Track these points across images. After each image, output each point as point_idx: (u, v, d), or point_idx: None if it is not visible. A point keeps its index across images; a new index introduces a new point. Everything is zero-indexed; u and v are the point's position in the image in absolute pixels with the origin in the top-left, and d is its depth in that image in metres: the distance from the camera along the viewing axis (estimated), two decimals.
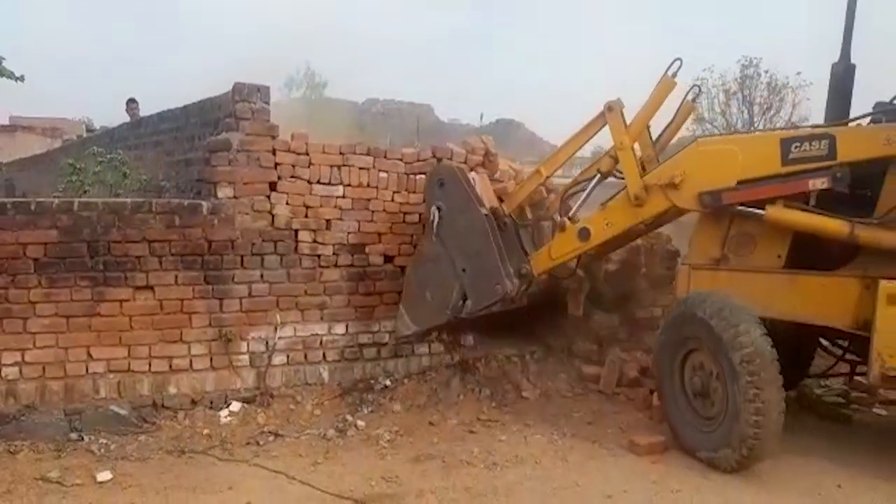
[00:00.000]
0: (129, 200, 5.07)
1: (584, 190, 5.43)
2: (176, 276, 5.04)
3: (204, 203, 5.15)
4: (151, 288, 4.97)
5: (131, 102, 10.69)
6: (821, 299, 4.47)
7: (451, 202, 5.20)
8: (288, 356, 5.40)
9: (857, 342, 4.64)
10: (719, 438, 4.37)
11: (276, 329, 5.32)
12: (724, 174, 4.71)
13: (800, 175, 4.53)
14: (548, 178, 5.53)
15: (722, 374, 4.35)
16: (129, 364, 4.94)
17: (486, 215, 5.15)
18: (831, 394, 5.94)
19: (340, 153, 5.49)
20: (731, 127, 28.74)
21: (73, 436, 4.61)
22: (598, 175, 5.31)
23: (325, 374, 5.49)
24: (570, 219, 5.21)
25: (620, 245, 5.81)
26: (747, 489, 4.25)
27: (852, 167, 4.45)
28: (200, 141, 5.72)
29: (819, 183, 4.48)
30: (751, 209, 4.68)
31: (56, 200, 4.93)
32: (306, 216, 5.42)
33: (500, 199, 5.59)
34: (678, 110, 5.36)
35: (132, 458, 4.43)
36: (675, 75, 5.05)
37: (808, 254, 4.67)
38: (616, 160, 5.12)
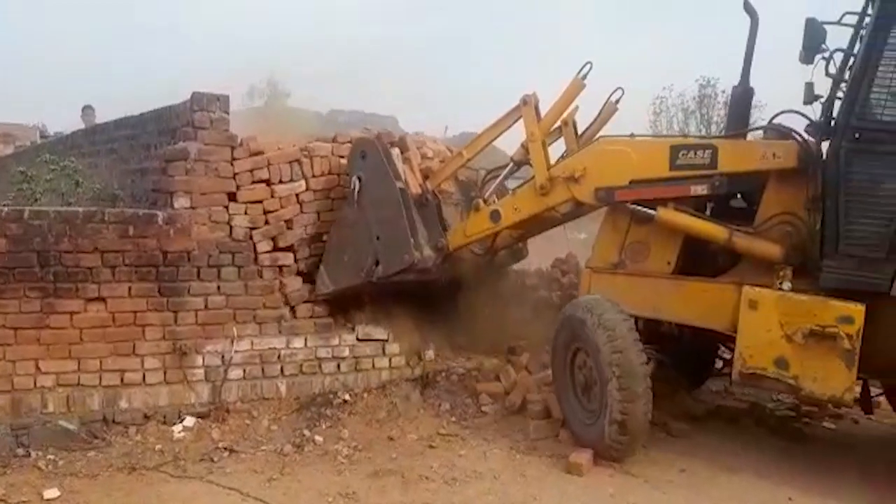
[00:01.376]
0: (81, 209, 4.94)
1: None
2: (129, 288, 4.92)
3: (159, 213, 5.05)
4: (103, 300, 4.85)
5: (87, 109, 10.48)
6: (702, 303, 4.84)
7: (370, 173, 5.46)
8: (244, 370, 5.31)
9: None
10: (597, 430, 4.64)
11: (232, 342, 5.23)
12: (619, 173, 5.08)
13: (683, 180, 4.91)
14: (469, 160, 5.88)
15: (598, 369, 4.62)
16: (79, 378, 4.80)
17: (400, 189, 5.42)
18: (783, 408, 6.09)
19: (298, 147, 5.60)
20: None
21: (20, 451, 4.46)
22: (512, 164, 5.73)
23: (283, 389, 5.41)
24: (484, 200, 5.55)
25: (537, 231, 6.16)
26: (701, 503, 4.30)
27: (731, 178, 4.86)
28: (157, 150, 5.62)
29: (699, 189, 4.88)
30: (645, 209, 5.04)
31: (5, 209, 4.79)
32: (266, 223, 5.36)
33: (426, 177, 5.89)
34: (601, 110, 5.76)
35: (81, 475, 4.30)
36: (584, 77, 5.45)
37: (696, 262, 5.08)
38: (527, 150, 5.47)
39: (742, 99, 5.22)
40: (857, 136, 4.35)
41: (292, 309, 5.52)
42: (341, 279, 5.53)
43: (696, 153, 4.93)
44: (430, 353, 5.97)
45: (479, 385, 5.71)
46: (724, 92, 31.16)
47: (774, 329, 4.42)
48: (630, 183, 5.06)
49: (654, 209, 5.00)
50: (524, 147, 5.54)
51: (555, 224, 6.05)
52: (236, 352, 5.24)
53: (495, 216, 5.47)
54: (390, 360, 5.81)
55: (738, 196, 5.27)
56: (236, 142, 5.31)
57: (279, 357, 5.42)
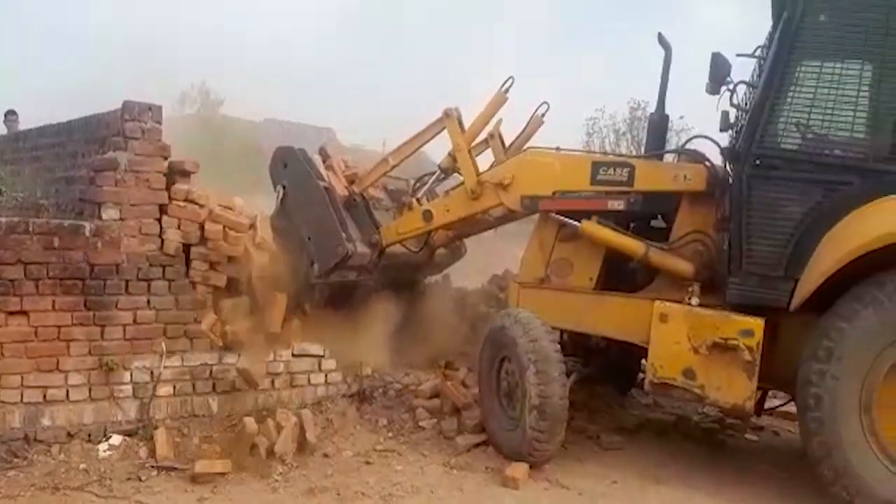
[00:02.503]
0: (4, 219, 4.72)
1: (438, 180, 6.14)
2: (53, 302, 4.71)
3: (87, 224, 4.87)
4: (26, 313, 4.63)
5: (10, 114, 10.03)
6: (621, 317, 5.10)
7: (293, 179, 5.62)
8: (174, 386, 5.15)
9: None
10: (519, 431, 4.81)
11: (162, 358, 5.07)
12: (544, 183, 5.37)
13: (602, 195, 5.23)
14: (394, 166, 6.05)
15: (517, 363, 4.83)
16: None
17: (324, 188, 5.59)
18: (707, 420, 6.31)
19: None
20: None
21: None
22: (440, 171, 5.95)
23: (215, 406, 5.28)
24: (417, 200, 5.86)
25: (468, 233, 6.48)
26: None
27: (646, 196, 5.18)
28: (84, 159, 5.43)
29: (616, 204, 5.17)
30: (570, 220, 5.31)
31: None
32: (202, 237, 5.23)
33: (351, 181, 6.07)
34: (528, 123, 6.07)
35: (1, 496, 4.08)
36: (507, 91, 5.75)
37: (616, 279, 5.36)
38: (455, 159, 5.73)
39: (659, 125, 5.59)
40: (757, 162, 4.62)
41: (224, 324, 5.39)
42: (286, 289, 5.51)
43: (615, 170, 5.26)
44: (367, 369, 5.93)
45: (417, 400, 5.70)
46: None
47: (682, 341, 4.66)
48: (553, 194, 5.35)
49: (579, 222, 5.26)
50: (451, 156, 5.79)
51: (488, 227, 6.31)
52: (166, 367, 5.08)
53: (427, 216, 5.72)
54: (326, 375, 5.75)
55: (659, 217, 5.55)
56: (169, 152, 5.19)
57: (211, 373, 5.29)
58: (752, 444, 6.04)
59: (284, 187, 5.65)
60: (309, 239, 5.54)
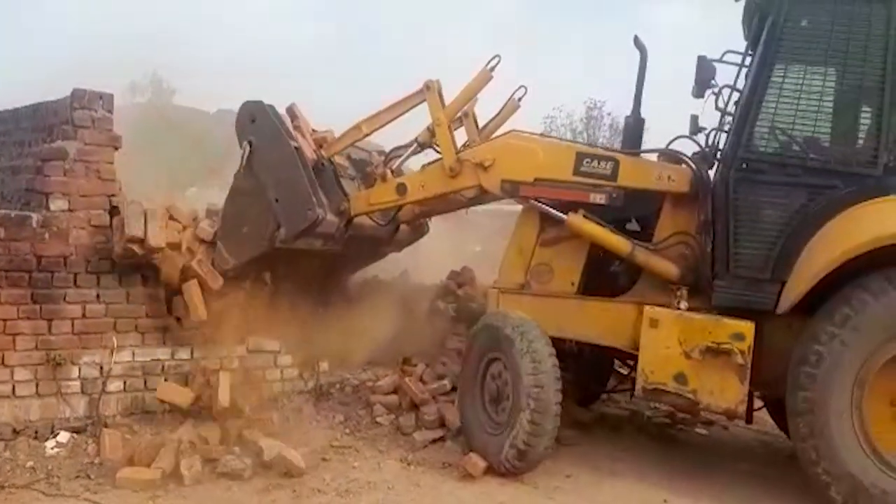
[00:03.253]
0: None
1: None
2: None
3: (34, 215, 4.73)
4: None
5: None
6: (604, 322, 5.05)
7: (261, 136, 5.29)
8: (125, 382, 5.04)
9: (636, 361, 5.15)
10: (497, 444, 4.70)
11: (112, 353, 4.95)
12: (526, 169, 5.18)
13: (585, 186, 5.08)
14: (367, 135, 5.75)
15: (514, 393, 4.68)
16: None
17: (295, 147, 5.27)
18: (660, 415, 6.44)
19: None
20: None
21: None
22: (416, 145, 5.65)
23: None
24: (392, 171, 5.56)
25: (440, 211, 6.22)
26: None
27: (628, 193, 5.05)
28: (32, 148, 5.26)
29: (598, 198, 5.03)
30: (555, 211, 5.18)
31: None
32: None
33: (319, 146, 5.74)
34: (503, 107, 5.84)
35: None
36: (492, 70, 5.50)
37: (597, 283, 5.30)
38: (433, 134, 5.48)
39: (635, 128, 5.50)
40: (743, 165, 4.67)
41: (178, 319, 5.29)
42: (243, 251, 5.31)
43: (599, 163, 5.09)
44: (324, 365, 5.88)
45: (374, 396, 5.67)
46: (609, 114, 32.70)
47: (673, 346, 4.61)
48: (535, 180, 5.16)
49: (564, 213, 5.12)
50: (430, 130, 5.53)
51: (460, 206, 6.11)
52: (116, 363, 4.97)
53: (401, 189, 5.44)
54: (282, 371, 5.69)
55: (633, 220, 5.49)
56: (120, 143, 5.06)
57: (163, 369, 5.18)
58: (702, 439, 6.19)
59: (251, 143, 5.29)
60: (277, 201, 5.21)
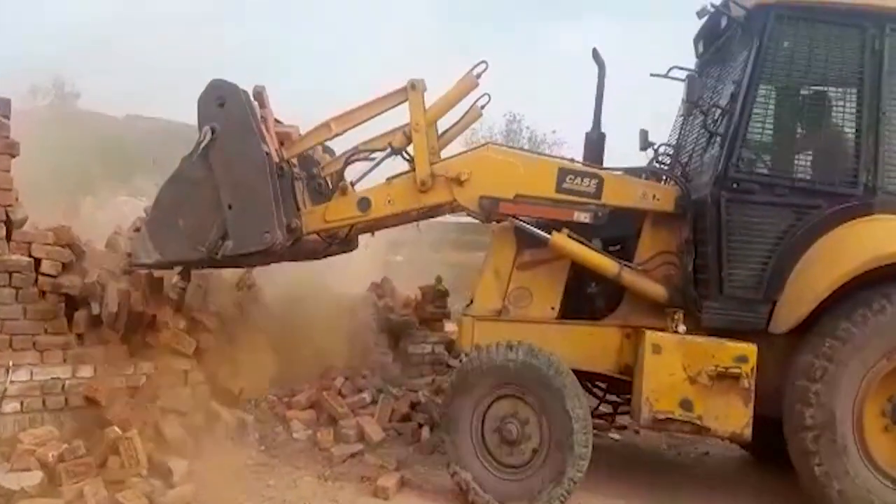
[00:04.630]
0: None
1: (367, 159, 5.20)
2: None
3: None
4: None
5: None
6: (588, 346, 4.87)
7: (229, 125, 4.61)
8: (22, 403, 4.73)
9: (617, 385, 5.06)
10: (537, 483, 4.39)
11: (8, 372, 4.64)
12: (506, 185, 4.86)
13: (568, 204, 4.84)
14: (337, 134, 5.16)
15: (549, 421, 4.40)
16: None
17: (266, 153, 4.62)
18: None
19: None
20: None
21: None
22: (390, 149, 5.05)
23: (68, 423, 4.88)
24: (352, 184, 5.00)
25: (391, 225, 5.60)
26: None
27: (612, 210, 4.86)
28: None
29: (582, 216, 4.80)
30: (537, 231, 4.88)
31: None
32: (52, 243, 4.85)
33: (281, 143, 5.10)
34: (466, 113, 5.33)
35: None
36: (479, 76, 5.03)
37: (577, 306, 5.08)
38: (409, 139, 4.95)
39: (596, 143, 5.34)
40: (734, 185, 4.60)
41: (79, 336, 5.03)
42: (171, 249, 4.72)
43: (582, 180, 4.85)
44: (239, 384, 5.69)
45: (291, 412, 5.56)
46: (528, 128, 33.34)
47: (678, 372, 4.46)
48: (515, 197, 4.86)
49: (548, 233, 4.84)
50: (405, 135, 4.97)
51: (413, 220, 5.61)
52: (12, 382, 4.66)
53: (363, 204, 4.90)
54: (194, 389, 5.48)
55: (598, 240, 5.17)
56: (17, 150, 4.78)
57: (63, 388, 4.90)
58: (615, 444, 6.34)
59: (213, 131, 4.58)
60: (230, 207, 4.57)
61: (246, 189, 4.60)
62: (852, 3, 4.61)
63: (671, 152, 5.51)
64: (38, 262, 4.86)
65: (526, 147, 32.32)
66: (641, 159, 5.53)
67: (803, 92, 4.85)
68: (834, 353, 4.30)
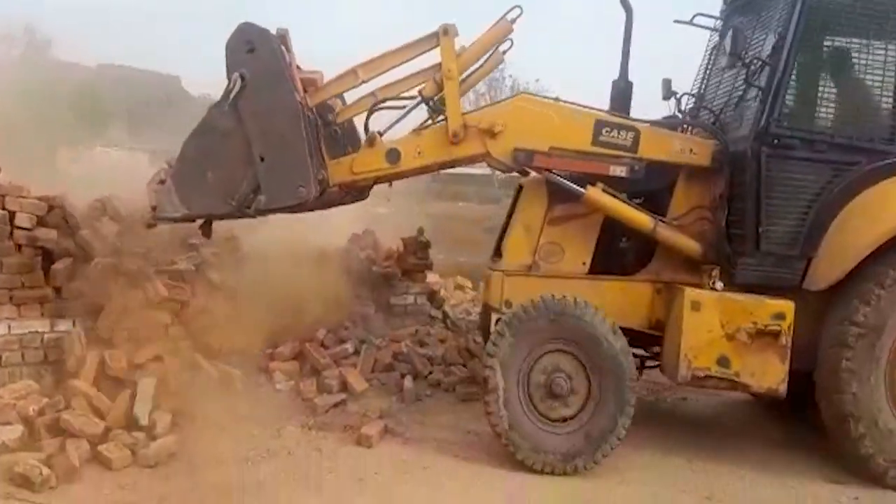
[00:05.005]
0: None
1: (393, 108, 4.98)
2: None
3: None
4: None
5: None
6: (620, 302, 4.84)
7: (259, 73, 4.42)
8: (0, 357, 4.71)
9: (645, 339, 5.03)
10: (582, 436, 4.45)
11: None
12: (541, 137, 4.75)
13: (603, 157, 4.76)
14: (363, 82, 4.90)
15: (600, 376, 4.44)
16: None
17: (300, 102, 4.46)
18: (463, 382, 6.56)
19: None
20: None
21: None
22: (420, 98, 4.87)
23: (49, 377, 4.86)
24: (380, 134, 4.81)
25: (413, 175, 5.22)
26: (492, 464, 4.58)
27: (649, 164, 4.80)
28: None
29: (619, 170, 4.74)
30: (572, 185, 4.80)
31: None
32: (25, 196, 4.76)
33: (305, 90, 4.77)
34: (488, 57, 5.01)
35: None
36: (514, 21, 4.83)
37: (607, 262, 5.05)
38: (440, 87, 4.78)
39: (623, 92, 5.24)
40: (774, 141, 4.58)
41: (57, 289, 4.98)
42: (198, 202, 4.55)
43: (619, 132, 4.77)
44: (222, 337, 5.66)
45: (273, 363, 5.56)
46: (510, 76, 32.98)
47: (716, 329, 4.49)
48: (550, 149, 4.75)
49: (582, 188, 4.76)
50: (436, 83, 4.77)
51: (435, 170, 5.38)
52: None
53: (393, 156, 4.75)
54: (176, 343, 5.44)
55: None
56: None
57: (42, 342, 4.87)
58: None
59: (243, 78, 4.37)
60: (262, 160, 4.40)
61: (279, 140, 4.44)
62: None
63: (695, 102, 5.49)
64: (12, 214, 4.78)
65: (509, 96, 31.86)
66: (663, 109, 5.52)
67: (843, 48, 4.81)
68: (877, 300, 4.38)
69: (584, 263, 4.99)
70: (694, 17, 5.34)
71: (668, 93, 5.45)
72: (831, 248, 4.54)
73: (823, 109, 4.83)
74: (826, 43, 4.82)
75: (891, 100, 4.70)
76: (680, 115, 5.41)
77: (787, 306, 4.47)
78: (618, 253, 5.10)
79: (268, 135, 4.44)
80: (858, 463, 4.50)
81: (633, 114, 5.12)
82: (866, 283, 4.43)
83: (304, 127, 4.44)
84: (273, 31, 4.58)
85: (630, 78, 5.23)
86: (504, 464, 4.54)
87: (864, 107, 4.81)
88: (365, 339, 5.96)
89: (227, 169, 4.49)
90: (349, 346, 5.77)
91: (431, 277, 7.32)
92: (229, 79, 4.43)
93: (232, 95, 4.41)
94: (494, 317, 4.89)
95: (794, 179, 4.59)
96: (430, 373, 5.89)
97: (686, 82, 5.68)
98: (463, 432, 5.03)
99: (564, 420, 4.50)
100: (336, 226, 6.92)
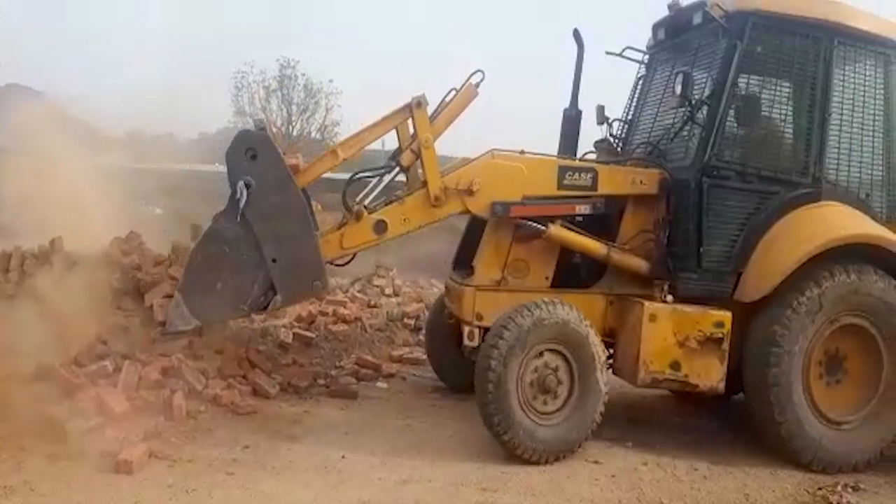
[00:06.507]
0: None
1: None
2: None
3: None
4: None
5: None
6: None
7: (263, 178, 4.61)
8: None
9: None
10: (572, 424, 4.93)
11: None
12: (514, 188, 5.28)
13: (569, 199, 5.37)
14: (344, 160, 5.25)
15: (582, 372, 4.94)
16: None
17: (305, 197, 4.74)
18: (344, 373, 6.57)
19: None
20: (272, 123, 29.71)
21: None
22: (398, 168, 5.30)
23: None
24: (365, 208, 5.14)
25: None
26: (267, 478, 4.39)
27: (607, 199, 5.43)
28: None
29: (583, 208, 5.37)
30: (536, 225, 5.28)
31: None
32: None
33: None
34: (457, 94, 5.42)
35: None
36: (477, 85, 5.35)
37: (566, 276, 5.54)
38: (417, 156, 5.20)
39: (573, 121, 5.94)
40: (714, 173, 5.21)
41: None
42: (211, 311, 4.73)
43: (580, 175, 5.40)
44: None
45: (13, 386, 4.85)
46: (303, 75, 32.31)
47: (669, 337, 5.10)
48: (523, 198, 5.26)
49: (544, 226, 5.26)
50: (413, 152, 5.20)
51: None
52: None
53: (380, 227, 5.14)
54: None
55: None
56: None
57: None
58: (383, 392, 6.43)
59: (248, 186, 4.54)
60: (274, 261, 4.61)
61: (290, 241, 4.68)
62: (811, 17, 5.31)
63: (627, 128, 6.26)
64: None
65: (301, 95, 31.48)
66: (597, 133, 6.23)
67: (769, 92, 5.44)
68: (790, 322, 5.03)
69: (546, 278, 5.47)
70: (624, 49, 6.04)
71: (602, 118, 6.13)
72: (758, 266, 5.23)
73: (752, 145, 5.45)
74: (754, 84, 5.43)
75: (803, 139, 5.42)
76: (612, 139, 6.20)
77: (726, 316, 5.14)
78: (575, 268, 5.62)
79: (279, 237, 4.68)
80: (786, 455, 5.15)
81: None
82: (787, 298, 5.08)
83: (312, 223, 4.76)
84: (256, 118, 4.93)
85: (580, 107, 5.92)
86: (280, 476, 4.38)
87: (782, 143, 5.52)
88: (128, 354, 5.43)
89: (237, 276, 4.68)
90: (108, 364, 5.21)
91: None
92: (233, 187, 4.58)
93: (242, 205, 4.56)
94: (467, 329, 5.31)
95: (728, 206, 5.28)
96: (206, 387, 5.51)
97: (617, 108, 6.44)
98: (239, 448, 4.78)
99: (556, 412, 4.95)
100: (92, 229, 6.28)
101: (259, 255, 4.69)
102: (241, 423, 5.19)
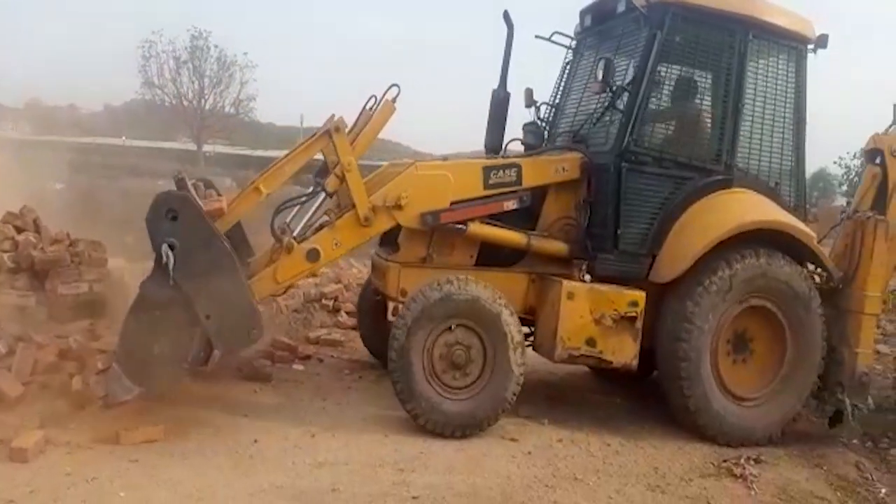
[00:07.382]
0: None
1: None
2: None
3: None
4: None
5: None
6: (501, 291, 5.22)
7: (187, 238, 4.51)
8: None
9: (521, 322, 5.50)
10: (481, 401, 4.99)
11: None
12: (441, 196, 5.29)
13: (496, 197, 5.44)
14: (267, 195, 5.08)
15: (495, 347, 5.00)
16: None
17: (231, 249, 4.64)
18: (259, 356, 6.39)
19: None
20: (183, 96, 28.56)
21: None
22: (324, 195, 5.23)
23: None
24: (295, 238, 5.06)
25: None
26: (174, 464, 4.23)
27: (533, 191, 5.53)
28: None
29: (510, 204, 5.46)
30: (454, 224, 5.33)
31: None
32: None
33: (214, 220, 4.84)
34: (374, 108, 5.38)
35: None
36: (395, 100, 5.25)
37: (490, 255, 5.62)
38: (342, 180, 5.11)
39: (501, 102, 5.96)
40: (633, 158, 5.34)
41: None
42: (152, 378, 4.52)
43: (504, 172, 5.45)
44: None
45: None
46: (216, 46, 31.22)
47: (585, 315, 5.20)
48: (451, 204, 5.29)
49: (464, 224, 5.33)
50: (337, 177, 5.09)
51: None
52: None
53: (313, 255, 5.07)
54: None
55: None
56: None
57: None
58: (298, 374, 6.30)
59: (173, 248, 4.41)
60: (208, 318, 4.52)
61: (221, 295, 4.58)
62: (728, 11, 5.45)
63: (553, 112, 6.33)
64: None
65: (214, 68, 30.48)
66: (526, 115, 6.34)
67: (685, 81, 5.64)
68: (702, 300, 5.23)
69: (471, 256, 5.58)
70: (552, 34, 6.15)
71: (530, 101, 6.21)
72: (671, 249, 5.41)
73: (668, 132, 5.61)
74: (673, 73, 5.58)
75: (717, 128, 5.57)
76: (539, 122, 6.26)
77: (640, 295, 5.29)
78: (501, 247, 5.59)
79: (210, 293, 4.57)
80: (693, 428, 5.36)
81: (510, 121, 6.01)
82: (700, 277, 5.26)
83: (241, 275, 4.67)
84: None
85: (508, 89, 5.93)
86: (188, 462, 4.22)
87: (697, 131, 5.68)
88: (22, 335, 5.09)
89: (173, 337, 4.56)
90: (0, 346, 4.87)
91: (115, 262, 6.53)
92: (157, 251, 4.47)
93: (171, 268, 4.44)
94: (391, 304, 5.37)
95: (645, 190, 5.43)
96: (108, 369, 5.22)
97: (545, 91, 6.51)
98: (143, 434, 4.54)
99: (467, 387, 5.03)
100: None
101: (193, 314, 4.61)
102: (147, 408, 4.95)
